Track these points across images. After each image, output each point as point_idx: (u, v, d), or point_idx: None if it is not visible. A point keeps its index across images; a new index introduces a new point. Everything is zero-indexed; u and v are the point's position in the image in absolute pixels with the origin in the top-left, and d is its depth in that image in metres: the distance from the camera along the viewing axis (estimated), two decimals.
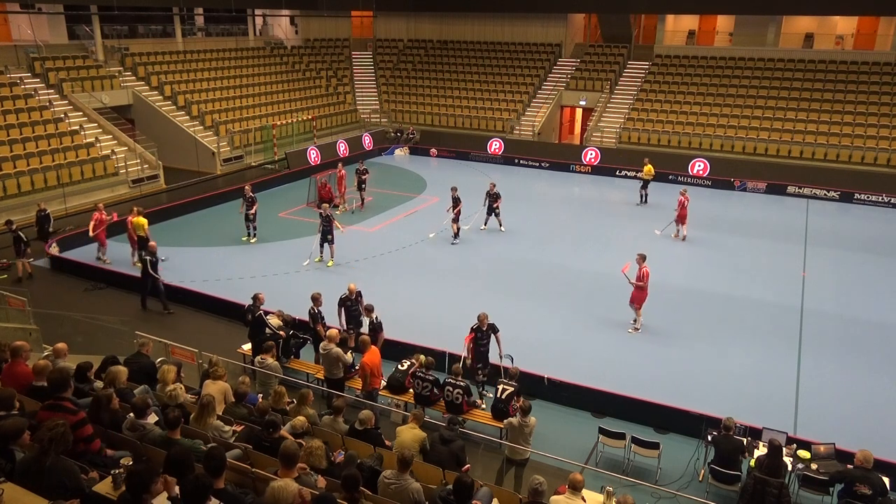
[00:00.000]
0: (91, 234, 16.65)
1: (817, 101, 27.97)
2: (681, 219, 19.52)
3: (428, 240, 19.10)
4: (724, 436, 8.70)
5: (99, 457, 5.78)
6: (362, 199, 22.05)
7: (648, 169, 23.18)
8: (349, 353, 10.71)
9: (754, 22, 31.09)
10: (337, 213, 21.29)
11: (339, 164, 22.39)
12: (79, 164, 21.44)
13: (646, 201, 23.27)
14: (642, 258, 13.52)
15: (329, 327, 11.38)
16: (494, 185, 19.66)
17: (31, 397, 6.56)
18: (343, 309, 12.00)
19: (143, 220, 16.11)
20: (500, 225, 19.84)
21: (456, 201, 18.96)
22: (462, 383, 9.91)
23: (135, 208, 16.79)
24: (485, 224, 19.93)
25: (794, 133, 26.80)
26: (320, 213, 16.98)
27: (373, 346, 10.33)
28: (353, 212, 21.57)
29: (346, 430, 7.98)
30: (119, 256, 16.98)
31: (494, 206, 19.54)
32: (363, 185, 21.87)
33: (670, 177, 26.09)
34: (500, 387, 9.83)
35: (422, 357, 10.48)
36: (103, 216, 16.77)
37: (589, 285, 16.14)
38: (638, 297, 13.49)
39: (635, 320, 13.75)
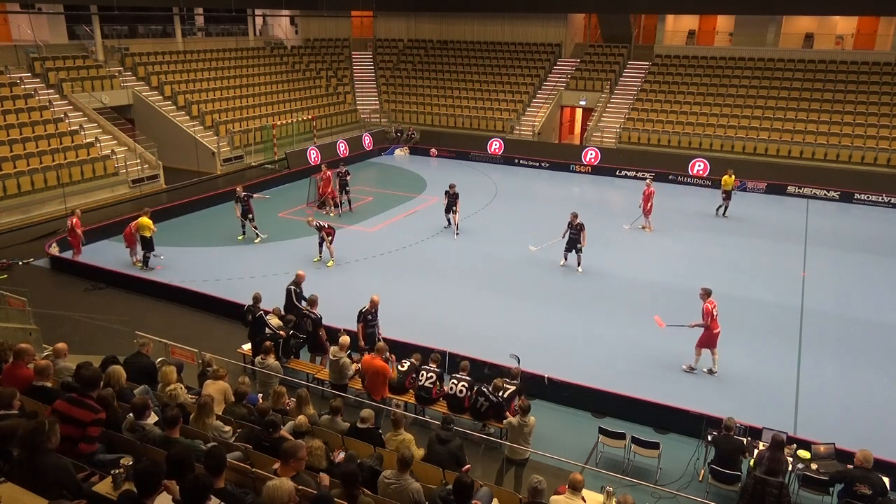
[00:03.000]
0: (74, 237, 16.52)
1: (817, 101, 27.96)
2: (647, 211, 19.78)
3: (529, 253, 17.82)
4: (724, 436, 8.70)
5: (95, 458, 5.78)
6: (345, 203, 21.56)
7: (727, 179, 21.52)
8: (353, 365, 10.54)
9: (754, 22, 31.09)
10: (332, 215, 21.16)
11: (324, 167, 21.82)
12: (79, 164, 21.44)
13: (725, 214, 21.75)
14: (706, 293, 11.83)
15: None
16: (577, 216, 16.65)
17: (32, 398, 6.56)
18: (363, 324, 11.28)
19: (146, 221, 16.10)
20: (579, 264, 16.88)
21: (454, 197, 19.11)
22: (467, 378, 9.95)
23: (145, 208, 16.87)
24: (564, 260, 17.17)
25: (794, 133, 26.80)
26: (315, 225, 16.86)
27: (370, 356, 9.99)
28: (329, 215, 20.92)
29: (346, 430, 7.97)
30: (119, 257, 17.01)
31: (578, 241, 16.64)
32: (346, 189, 21.47)
33: (670, 177, 26.12)
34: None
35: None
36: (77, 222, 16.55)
37: (589, 285, 16.14)
38: (707, 338, 11.75)
39: (707, 360, 11.99)
